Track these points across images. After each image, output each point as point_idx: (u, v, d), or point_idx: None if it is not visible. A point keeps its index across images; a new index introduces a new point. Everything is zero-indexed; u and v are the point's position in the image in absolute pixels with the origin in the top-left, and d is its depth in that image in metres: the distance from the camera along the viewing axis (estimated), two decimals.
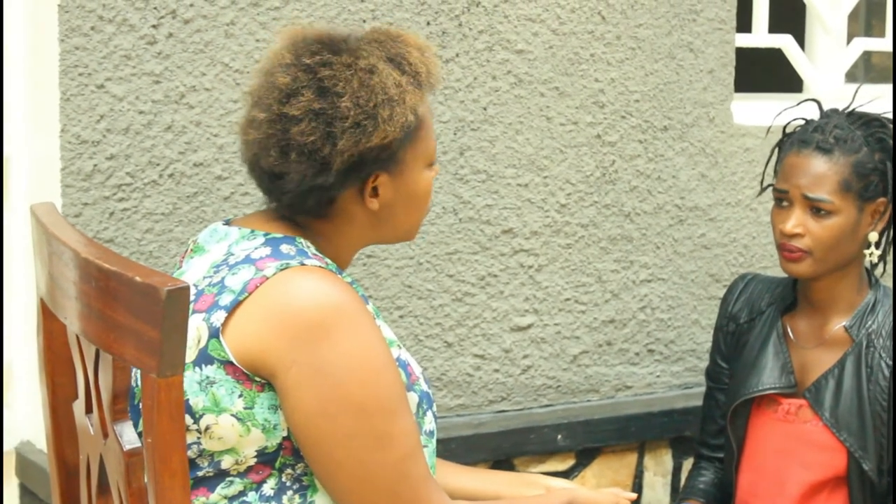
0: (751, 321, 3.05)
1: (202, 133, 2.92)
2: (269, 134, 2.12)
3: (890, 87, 4.52)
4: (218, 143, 2.93)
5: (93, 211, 2.83)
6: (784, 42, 3.89)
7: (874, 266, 2.93)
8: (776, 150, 3.00)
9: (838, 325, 2.91)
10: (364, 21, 3.07)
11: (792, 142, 2.89)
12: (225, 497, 2.06)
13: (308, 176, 2.10)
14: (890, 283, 3.75)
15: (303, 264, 2.05)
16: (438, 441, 3.07)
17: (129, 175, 2.85)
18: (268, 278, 2.03)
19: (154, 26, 2.85)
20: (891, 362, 2.83)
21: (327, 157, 2.09)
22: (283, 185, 2.13)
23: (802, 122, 2.97)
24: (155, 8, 2.84)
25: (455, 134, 3.22)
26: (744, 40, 3.76)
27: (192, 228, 2.90)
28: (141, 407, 2.03)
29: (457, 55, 3.20)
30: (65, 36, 2.76)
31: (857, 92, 3.03)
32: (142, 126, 2.86)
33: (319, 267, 2.06)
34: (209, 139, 2.92)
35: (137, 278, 1.74)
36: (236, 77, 2.94)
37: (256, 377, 2.02)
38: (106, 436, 1.87)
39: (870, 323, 2.87)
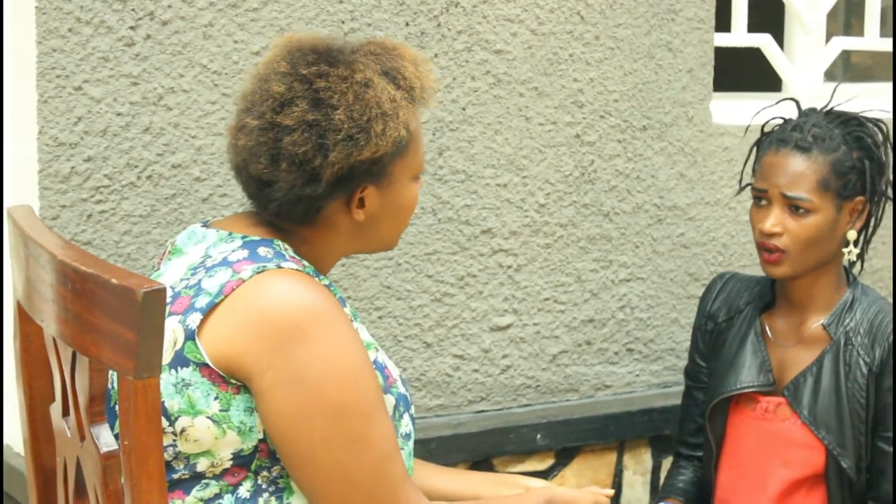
0: (729, 320, 3.06)
1: (180, 135, 2.91)
2: (260, 141, 2.12)
3: (869, 85, 4.54)
4: (196, 145, 2.93)
5: (70, 213, 2.82)
6: (763, 41, 3.89)
7: (852, 264, 2.94)
8: (754, 150, 3.01)
9: (816, 323, 2.91)
10: (343, 22, 3.06)
11: (770, 141, 2.90)
12: (201, 500, 2.06)
13: (297, 185, 2.10)
14: (869, 282, 3.77)
15: (279, 267, 2.05)
16: (418, 441, 3.08)
17: (107, 177, 2.85)
18: (244, 281, 2.03)
19: (132, 28, 2.84)
20: (868, 360, 2.84)
21: (318, 169, 2.09)
22: (271, 192, 2.13)
23: (781, 121, 2.97)
24: (133, 9, 2.84)
25: (434, 134, 3.22)
26: (723, 40, 3.76)
27: (170, 230, 2.90)
28: (117, 409, 2.04)
29: (435, 55, 3.20)
30: (42, 38, 2.75)
31: (835, 91, 3.04)
32: (120, 128, 2.85)
33: (296, 270, 2.06)
34: (187, 141, 2.92)
35: (114, 280, 1.74)
36: (214, 78, 2.94)
37: (232, 379, 2.02)
38: (83, 438, 1.87)
39: (848, 321, 2.88)
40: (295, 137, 2.09)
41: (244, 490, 2.07)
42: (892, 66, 4.16)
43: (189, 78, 2.91)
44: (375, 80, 2.12)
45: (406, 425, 2.20)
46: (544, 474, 3.43)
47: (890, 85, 4.27)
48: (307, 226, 2.19)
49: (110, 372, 1.88)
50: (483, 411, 3.40)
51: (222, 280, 2.04)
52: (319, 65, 2.13)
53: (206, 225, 2.24)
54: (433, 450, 3.18)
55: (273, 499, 2.08)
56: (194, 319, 2.02)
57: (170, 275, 2.17)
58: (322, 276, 2.14)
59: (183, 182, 2.93)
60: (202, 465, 2.05)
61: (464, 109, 3.26)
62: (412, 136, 2.18)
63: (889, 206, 3.04)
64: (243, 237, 2.15)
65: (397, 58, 2.19)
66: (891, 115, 3.28)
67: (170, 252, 2.26)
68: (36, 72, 2.76)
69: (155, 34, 2.87)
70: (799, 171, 2.81)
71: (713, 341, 3.08)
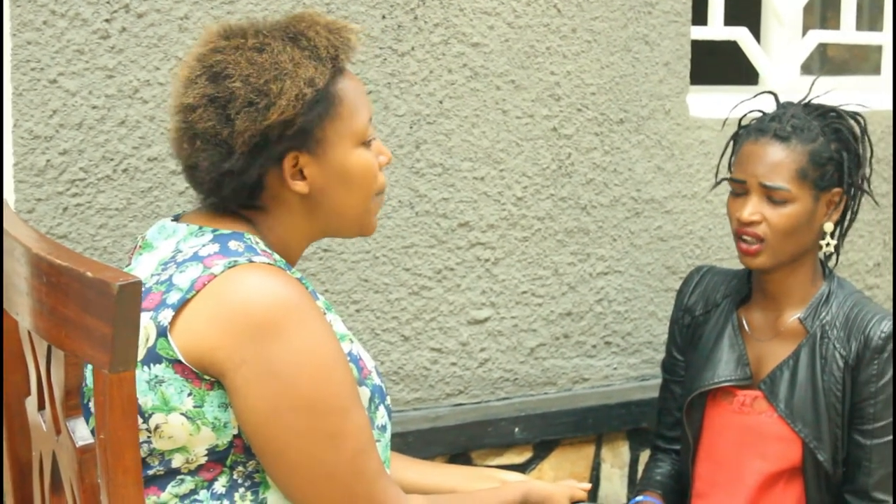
0: (706, 313, 3.06)
1: (156, 128, 2.90)
2: (178, 127, 2.15)
3: (845, 79, 4.55)
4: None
5: (46, 206, 2.81)
6: (740, 34, 3.90)
7: (828, 257, 2.95)
8: (731, 143, 3.01)
9: (793, 316, 2.92)
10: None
11: (748, 131, 2.90)
12: (176, 496, 2.05)
13: (216, 162, 2.10)
14: (845, 275, 3.78)
15: (251, 261, 2.04)
16: (395, 435, 3.08)
17: (83, 170, 2.84)
18: (216, 276, 2.02)
19: (107, 20, 2.83)
20: (844, 353, 2.85)
21: (228, 141, 2.09)
22: (199, 174, 2.14)
23: (759, 114, 2.98)
24: (108, 2, 2.82)
25: (411, 127, 3.22)
26: (699, 33, 3.77)
27: (146, 223, 2.89)
28: (92, 405, 2.03)
29: (412, 48, 3.20)
30: (17, 30, 2.74)
31: (813, 84, 3.05)
32: (95, 121, 2.84)
33: (267, 264, 2.05)
34: (163, 134, 2.91)
35: (89, 274, 1.73)
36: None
37: (206, 376, 2.01)
38: (58, 432, 1.86)
39: (824, 314, 2.89)
40: (200, 113, 2.11)
41: (220, 485, 2.07)
42: (893, 62, 4.17)
43: (165, 71, 2.90)
44: (273, 44, 2.12)
45: (382, 417, 2.20)
46: (522, 467, 3.44)
47: (866, 78, 4.28)
48: (260, 210, 2.18)
49: (85, 369, 1.88)
50: (461, 404, 3.40)
51: (193, 275, 2.03)
52: (217, 41, 2.16)
53: (176, 219, 2.23)
54: (411, 443, 3.18)
55: (249, 493, 2.08)
56: (166, 316, 2.01)
57: (140, 270, 2.16)
58: (293, 270, 2.14)
59: (159, 175, 2.92)
60: (177, 461, 2.04)
61: (441, 102, 3.25)
62: (335, 96, 2.15)
63: (876, 200, 3.05)
64: (213, 230, 2.14)
65: (307, 23, 2.18)
66: (868, 109, 3.29)
67: (140, 247, 2.25)
68: (10, 64, 2.74)
69: (130, 27, 2.85)
70: (777, 160, 2.82)
71: (690, 335, 3.09)
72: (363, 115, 2.21)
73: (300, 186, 2.15)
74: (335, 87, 2.16)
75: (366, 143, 2.21)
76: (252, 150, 2.10)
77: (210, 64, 2.12)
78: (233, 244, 2.09)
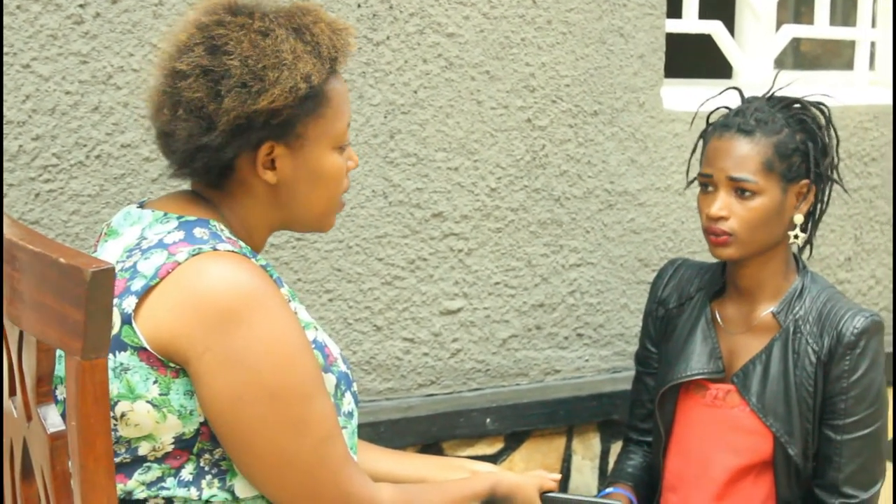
0: (680, 306, 3.07)
1: (130, 114, 2.89)
2: (162, 91, 2.13)
3: (818, 73, 4.56)
4: (146, 125, 2.90)
5: (18, 192, 2.80)
6: (714, 28, 3.91)
7: (801, 250, 2.96)
8: (700, 141, 3.02)
9: (766, 311, 2.93)
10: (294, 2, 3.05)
11: (714, 128, 2.92)
12: (143, 483, 2.05)
13: (195, 134, 2.09)
14: (816, 269, 3.80)
15: (215, 249, 2.04)
16: (367, 425, 3.08)
17: (56, 156, 2.82)
18: (180, 263, 2.01)
19: (81, 6, 2.81)
20: (817, 348, 2.86)
21: (213, 116, 2.08)
22: (173, 143, 2.13)
23: (726, 110, 2.99)
24: None
25: (385, 117, 3.21)
26: (674, 26, 3.77)
27: (118, 210, 2.87)
28: (61, 394, 2.02)
29: (387, 38, 3.19)
30: None
31: (776, 77, 3.06)
32: (68, 106, 2.82)
33: (231, 252, 2.05)
34: (137, 120, 2.90)
35: (62, 260, 1.72)
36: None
37: (171, 363, 2.00)
38: (30, 419, 1.85)
39: (797, 309, 2.90)
40: (190, 82, 2.09)
41: (186, 473, 2.06)
42: (893, 60, 4.19)
43: (139, 57, 2.89)
44: (277, 31, 2.11)
45: (348, 404, 2.19)
46: (493, 458, 3.44)
47: (840, 73, 4.30)
48: (225, 191, 2.17)
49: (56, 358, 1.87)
50: (433, 395, 3.40)
51: (158, 263, 2.03)
52: (220, 14, 2.14)
53: (141, 205, 2.23)
54: (382, 433, 3.18)
55: (216, 481, 2.07)
56: (130, 303, 2.00)
57: (106, 257, 2.15)
58: (259, 257, 2.13)
59: (132, 162, 2.91)
60: (144, 448, 2.04)
61: (415, 92, 3.25)
62: (325, 96, 2.16)
63: (846, 189, 3.06)
64: (179, 217, 2.13)
65: (313, 21, 2.18)
66: (841, 104, 3.31)
67: (105, 234, 2.24)
68: None
69: (104, 12, 2.84)
70: (743, 153, 2.82)
71: (664, 327, 3.10)
72: (344, 120, 2.21)
73: (269, 176, 2.15)
74: (327, 87, 2.16)
75: (340, 148, 2.22)
76: (233, 131, 2.09)
77: (211, 35, 2.10)
78: (198, 231, 2.09)
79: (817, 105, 2.94)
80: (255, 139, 2.12)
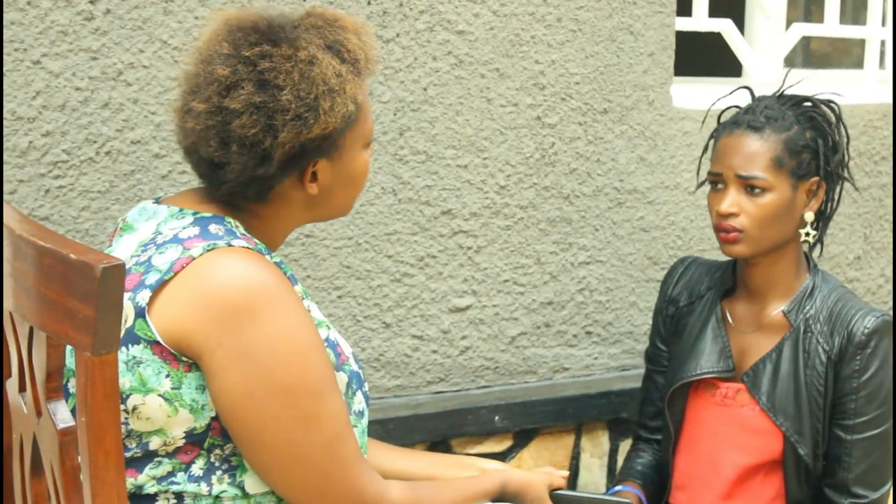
0: (690, 304, 3.06)
1: (140, 111, 2.89)
2: (208, 125, 2.10)
3: (828, 72, 4.56)
4: (155, 121, 2.91)
5: (28, 188, 2.80)
6: (724, 26, 3.90)
7: (811, 247, 2.95)
8: (711, 141, 3.02)
9: (777, 309, 2.92)
10: (305, 0, 3.05)
11: (724, 126, 2.91)
12: (153, 478, 2.05)
13: (249, 167, 2.09)
14: (826, 268, 3.79)
15: (230, 245, 2.04)
16: (376, 422, 3.08)
17: (66, 152, 2.83)
18: (194, 258, 2.01)
19: (91, 2, 2.81)
20: (827, 348, 2.85)
21: (268, 150, 2.08)
22: (224, 175, 2.11)
23: (736, 109, 2.99)
24: None
25: (395, 114, 3.21)
26: (684, 24, 3.77)
27: (128, 206, 2.88)
28: (73, 387, 2.02)
29: (397, 35, 3.19)
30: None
31: (787, 75, 3.05)
32: (78, 103, 2.83)
33: (246, 248, 2.05)
34: (147, 117, 2.90)
35: (72, 255, 1.72)
36: (174, 54, 2.92)
37: (183, 357, 2.01)
38: (39, 414, 1.85)
39: (808, 308, 2.89)
40: (244, 120, 2.07)
41: (197, 468, 2.06)
42: (893, 58, 4.18)
43: (149, 53, 2.89)
44: (320, 57, 2.11)
45: (359, 403, 2.20)
46: (502, 456, 3.44)
47: (849, 72, 4.29)
48: (261, 203, 2.18)
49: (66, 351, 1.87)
50: (441, 392, 3.40)
51: (172, 257, 2.03)
52: (262, 45, 2.10)
53: (157, 201, 2.23)
54: (391, 430, 3.18)
55: (226, 476, 2.08)
56: (144, 296, 2.00)
57: (120, 251, 2.15)
58: (273, 254, 2.14)
59: (142, 158, 2.91)
60: (154, 443, 2.04)
61: (425, 90, 3.25)
62: (360, 107, 2.18)
63: (856, 186, 3.05)
64: (194, 213, 2.13)
65: (339, 29, 2.17)
66: (851, 103, 3.30)
67: (121, 228, 2.24)
68: None
69: (115, 9, 2.84)
70: (752, 150, 2.82)
71: (674, 325, 3.09)
72: (371, 119, 2.24)
73: (313, 189, 2.17)
74: (361, 97, 2.18)
75: (368, 145, 2.24)
76: (288, 160, 2.10)
77: (260, 70, 2.08)
78: (213, 227, 2.09)
79: (827, 103, 2.93)
80: (305, 162, 2.13)
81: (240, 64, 2.09)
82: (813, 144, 2.86)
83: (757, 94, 2.99)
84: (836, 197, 2.93)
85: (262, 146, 2.08)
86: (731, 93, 3.12)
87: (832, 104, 2.94)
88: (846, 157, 2.93)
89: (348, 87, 2.12)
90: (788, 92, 2.95)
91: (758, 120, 2.83)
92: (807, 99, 2.92)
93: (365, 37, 2.20)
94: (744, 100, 3.02)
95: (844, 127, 2.93)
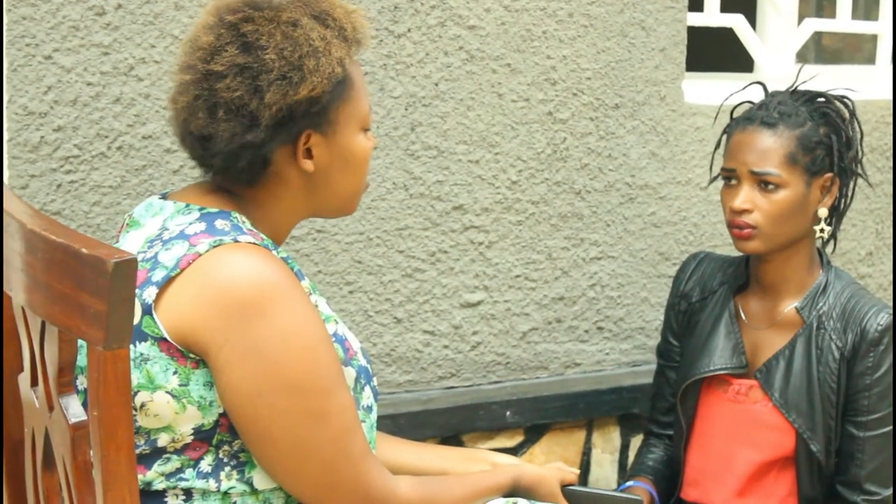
0: (703, 300, 3.06)
1: (151, 105, 2.89)
2: (196, 95, 2.11)
3: (840, 68, 4.55)
4: (167, 116, 2.89)
5: (40, 183, 2.80)
6: (735, 21, 3.89)
7: (825, 244, 2.95)
8: (724, 137, 3.01)
9: (790, 306, 2.92)
10: None
11: (737, 122, 2.91)
12: (162, 474, 2.05)
13: (238, 133, 2.09)
14: (838, 264, 3.78)
15: (236, 241, 2.04)
16: (387, 417, 3.08)
17: (77, 147, 2.83)
18: (201, 255, 2.01)
19: None
20: (841, 345, 2.85)
21: (255, 112, 2.08)
22: (214, 146, 2.11)
23: (749, 105, 2.98)
24: None
25: (406, 109, 3.21)
26: (695, 19, 3.76)
27: (140, 201, 2.87)
28: (82, 384, 2.02)
29: (408, 30, 3.19)
30: (11, 6, 2.73)
31: (800, 71, 3.05)
32: (90, 98, 2.83)
33: (253, 243, 2.05)
34: (158, 112, 2.90)
35: (84, 250, 1.72)
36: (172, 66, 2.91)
37: (190, 354, 2.01)
38: (51, 409, 1.86)
39: (821, 304, 2.88)
40: (228, 82, 2.08)
41: (205, 464, 2.06)
42: (893, 53, 4.16)
43: (160, 48, 2.89)
44: (304, 21, 2.12)
45: (367, 398, 2.19)
46: (513, 451, 3.44)
47: (861, 67, 4.28)
48: (258, 185, 2.17)
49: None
50: (453, 387, 3.40)
51: (179, 253, 2.03)
52: (245, 10, 2.13)
53: (164, 197, 2.23)
54: (402, 425, 3.18)
55: (235, 473, 2.07)
56: (150, 293, 2.00)
57: (127, 247, 2.15)
58: (280, 249, 2.13)
59: (153, 153, 2.91)
60: (163, 440, 2.04)
61: (436, 85, 3.25)
62: (351, 79, 2.17)
63: (870, 182, 3.05)
64: (201, 209, 2.13)
65: (326, 3, 2.18)
66: (863, 98, 3.29)
67: (127, 224, 2.24)
68: (5, 40, 2.73)
69: (126, 3, 2.84)
70: (766, 146, 2.81)
71: (686, 321, 3.09)
72: (367, 101, 2.23)
73: (308, 165, 2.16)
74: (349, 70, 2.17)
75: (366, 130, 2.23)
76: (276, 125, 2.09)
77: (242, 33, 2.10)
78: (219, 223, 2.09)
79: (841, 98, 2.93)
80: (296, 130, 2.12)
81: (223, 29, 2.12)
82: (826, 140, 2.85)
83: (770, 90, 2.99)
84: (849, 193, 2.92)
85: (249, 108, 2.08)
86: (743, 88, 3.11)
87: (846, 100, 2.93)
88: (860, 153, 2.93)
89: (333, 49, 2.12)
90: (802, 88, 2.94)
91: (771, 116, 2.83)
92: (820, 95, 2.91)
93: (353, 14, 2.21)
94: (756, 95, 3.01)
95: (858, 122, 2.93)
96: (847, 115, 2.91)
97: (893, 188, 4.10)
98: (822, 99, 2.91)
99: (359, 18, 2.21)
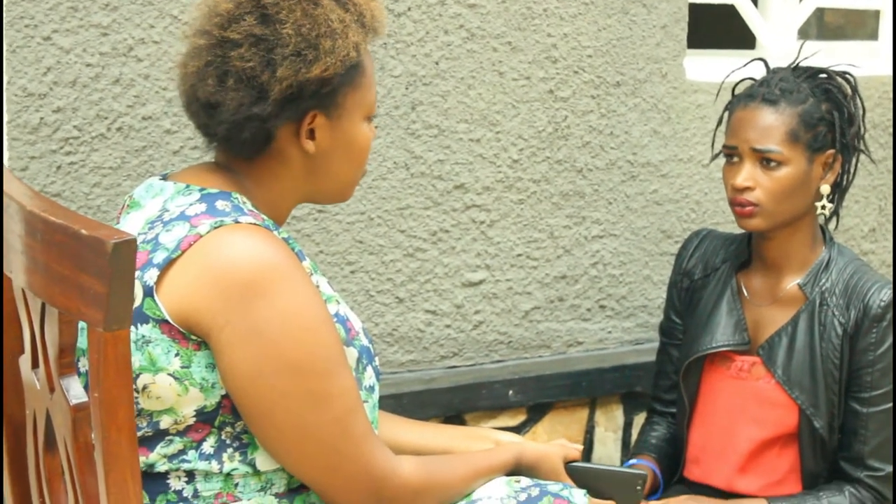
0: (705, 277, 3.05)
1: (151, 86, 2.89)
2: (208, 60, 2.10)
3: (842, 44, 4.53)
4: (167, 97, 2.90)
5: (39, 164, 2.79)
6: None
7: (827, 220, 2.94)
8: (726, 113, 3.00)
9: (792, 282, 2.92)
10: None
11: (738, 99, 2.90)
12: (164, 456, 2.05)
13: (245, 104, 2.08)
14: (841, 241, 3.77)
15: (237, 221, 2.03)
16: (390, 396, 3.08)
17: (77, 128, 2.82)
18: (202, 236, 2.01)
19: None
20: (843, 321, 2.84)
21: (265, 85, 2.07)
22: (220, 114, 2.10)
23: (751, 81, 2.97)
24: None
25: (407, 88, 3.20)
26: None
27: (140, 182, 2.86)
28: (83, 366, 2.02)
29: (409, 9, 3.18)
30: None
31: (801, 47, 3.04)
32: (89, 79, 2.82)
33: (254, 224, 2.04)
34: (158, 92, 2.89)
35: (84, 231, 1.72)
36: (185, 30, 2.89)
37: (192, 336, 2.00)
38: (52, 390, 1.86)
39: (823, 281, 2.88)
40: (242, 51, 2.08)
41: (208, 446, 2.06)
42: (893, 29, 4.15)
43: (160, 29, 2.88)
44: (325, 1, 2.12)
45: (370, 378, 2.19)
46: (516, 430, 3.44)
47: (863, 43, 4.27)
48: (259, 161, 2.17)
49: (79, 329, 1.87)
50: (455, 367, 3.40)
51: (179, 235, 2.02)
52: None
53: (164, 178, 2.22)
54: (405, 405, 3.18)
55: (237, 454, 2.07)
56: (152, 275, 2.00)
57: (128, 229, 2.14)
58: (281, 230, 2.13)
59: (153, 134, 2.90)
60: (165, 422, 2.04)
61: (437, 63, 3.24)
62: (363, 66, 2.18)
63: (872, 159, 3.05)
64: (201, 189, 2.12)
65: None
66: (865, 74, 3.28)
67: (128, 206, 2.23)
68: (4, 21, 2.72)
69: None
70: (767, 123, 2.81)
71: (689, 298, 3.08)
72: (375, 91, 2.23)
73: (309, 146, 2.15)
74: (364, 57, 2.17)
75: (370, 120, 2.22)
76: (284, 100, 2.09)
77: (262, 4, 2.09)
78: (220, 204, 2.08)
79: (843, 75, 2.92)
80: (302, 109, 2.12)
81: None
82: (829, 117, 2.85)
83: (771, 67, 2.98)
84: (852, 169, 2.92)
85: (260, 80, 2.07)
86: (745, 65, 3.10)
87: (848, 76, 2.92)
88: (862, 129, 2.92)
89: (351, 33, 2.12)
90: (804, 64, 2.93)
91: (772, 93, 2.82)
92: (822, 71, 2.91)
93: (373, 0, 2.21)
94: (758, 72, 3.00)
95: (860, 98, 2.92)
96: (849, 91, 2.90)
97: (894, 164, 4.10)
98: (823, 75, 2.90)
99: (378, 7, 2.21)
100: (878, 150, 4.01)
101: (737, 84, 3.06)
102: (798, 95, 2.83)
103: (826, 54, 3.17)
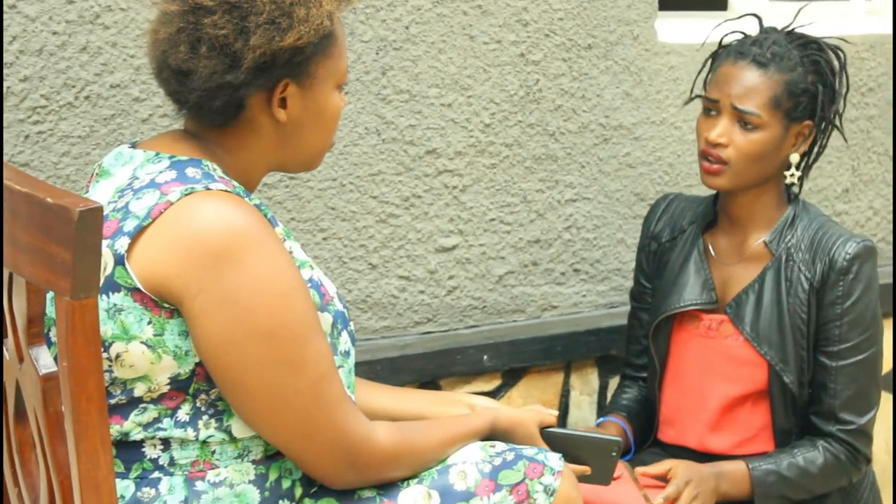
0: (672, 240, 3.07)
1: (118, 54, 2.87)
2: (180, 27, 2.09)
3: (814, 4, 4.53)
4: (135, 65, 2.88)
5: (7, 134, 2.78)
6: None
7: (791, 186, 2.96)
8: (709, 62, 3.00)
9: (758, 240, 2.93)
10: None
11: (728, 52, 2.91)
12: (139, 424, 2.05)
13: (218, 72, 2.07)
14: (815, 201, 3.78)
15: (208, 188, 2.03)
16: (364, 363, 3.08)
17: (44, 97, 2.80)
18: (172, 203, 2.00)
19: None
20: (810, 276, 2.86)
21: (238, 53, 2.07)
22: (191, 81, 2.09)
23: (741, 35, 2.97)
24: None
25: (377, 54, 3.19)
26: None
27: (109, 151, 2.85)
28: (54, 336, 2.01)
29: None
30: None
31: (798, 13, 3.05)
32: (56, 47, 2.80)
33: (225, 191, 2.04)
34: (126, 60, 2.87)
35: (49, 199, 1.71)
36: None
37: (165, 304, 2.00)
38: (21, 360, 1.85)
39: (789, 237, 2.90)
40: (215, 18, 2.07)
41: (183, 413, 2.06)
42: (893, 45, 4.16)
43: None
44: None
45: (345, 343, 2.19)
46: (491, 395, 3.44)
47: (837, 4, 4.27)
48: (229, 129, 2.16)
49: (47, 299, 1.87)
50: (429, 333, 3.40)
51: (150, 203, 2.01)
52: None
53: (133, 146, 2.21)
54: (379, 371, 3.18)
55: (213, 421, 2.07)
56: (122, 244, 1.99)
57: (98, 197, 2.13)
58: (252, 196, 2.12)
59: (122, 102, 2.89)
60: (139, 390, 2.04)
61: (407, 28, 3.22)
62: (335, 35, 2.17)
63: (846, 137, 3.06)
64: (171, 157, 2.12)
65: None
66: (832, 32, 3.28)
67: (97, 174, 2.22)
68: None
69: None
70: (753, 84, 2.82)
71: (657, 261, 3.10)
72: (346, 60, 2.23)
73: (281, 114, 2.15)
74: (336, 26, 2.17)
75: (341, 87, 2.22)
76: (257, 68, 2.08)
77: None
78: (190, 171, 2.07)
79: (834, 48, 2.93)
80: (275, 77, 2.11)
81: None
82: (812, 89, 2.86)
83: (765, 26, 2.97)
84: (824, 143, 2.94)
85: (233, 48, 2.06)
86: (739, 17, 3.07)
87: (839, 51, 2.94)
88: (842, 107, 2.93)
89: (325, 2, 2.12)
90: (798, 30, 2.93)
91: (764, 55, 2.83)
92: (815, 42, 2.91)
93: None
94: (749, 27, 2.98)
95: (847, 76, 2.93)
96: (837, 66, 2.91)
97: (893, 122, 4.11)
98: (815, 45, 2.91)
99: None
100: (850, 109, 4.01)
101: (724, 35, 3.05)
102: (788, 63, 2.84)
103: (798, 15, 3.16)
